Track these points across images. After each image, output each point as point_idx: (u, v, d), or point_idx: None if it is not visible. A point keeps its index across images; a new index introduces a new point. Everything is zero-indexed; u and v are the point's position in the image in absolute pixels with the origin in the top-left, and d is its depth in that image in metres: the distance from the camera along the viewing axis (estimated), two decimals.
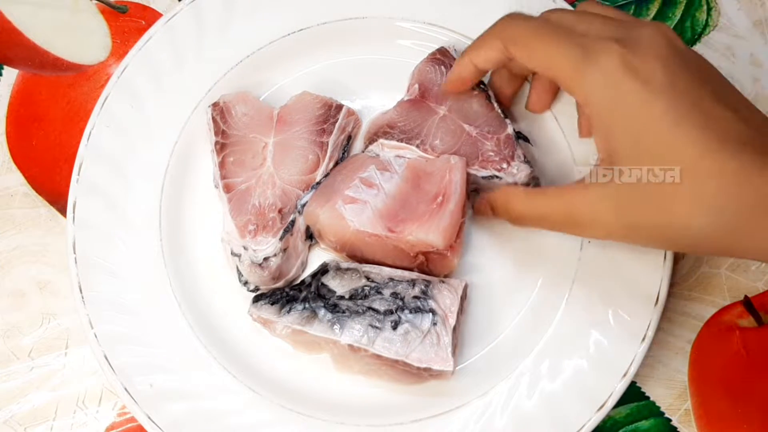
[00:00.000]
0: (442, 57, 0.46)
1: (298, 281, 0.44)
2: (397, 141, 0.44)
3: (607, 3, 0.49)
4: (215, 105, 0.46)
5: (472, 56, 0.41)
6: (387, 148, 0.44)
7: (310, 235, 0.45)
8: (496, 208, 0.41)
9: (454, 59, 0.45)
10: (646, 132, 0.32)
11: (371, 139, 0.46)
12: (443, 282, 0.42)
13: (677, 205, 0.32)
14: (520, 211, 0.39)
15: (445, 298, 0.41)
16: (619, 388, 0.40)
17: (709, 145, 0.31)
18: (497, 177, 0.42)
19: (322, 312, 0.41)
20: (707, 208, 0.31)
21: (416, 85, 0.46)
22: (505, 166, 0.42)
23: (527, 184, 0.43)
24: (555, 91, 0.45)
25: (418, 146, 0.44)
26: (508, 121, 0.44)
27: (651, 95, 0.32)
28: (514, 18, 0.38)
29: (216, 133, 0.45)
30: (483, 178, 0.43)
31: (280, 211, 0.43)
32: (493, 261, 0.45)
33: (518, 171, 0.42)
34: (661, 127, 0.32)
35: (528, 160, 0.43)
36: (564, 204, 0.36)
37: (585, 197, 0.35)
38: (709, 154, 0.31)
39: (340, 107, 0.46)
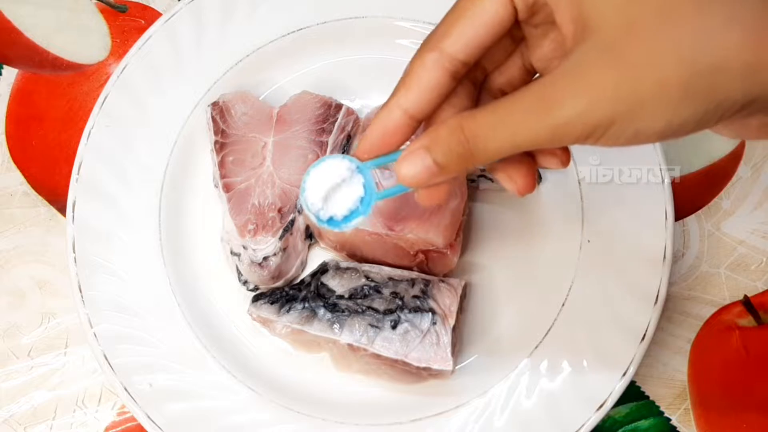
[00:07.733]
0: None
1: (298, 281, 0.44)
2: None
3: None
4: (215, 104, 0.46)
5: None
6: None
7: (309, 235, 0.45)
8: (443, 139, 0.27)
9: None
10: None
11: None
12: (443, 281, 0.42)
13: None
14: (483, 132, 0.26)
15: (445, 298, 0.41)
16: (619, 387, 0.40)
17: None
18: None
19: (321, 311, 0.41)
20: None
21: None
22: None
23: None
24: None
25: None
26: None
27: None
28: None
29: (215, 133, 0.45)
30: None
31: (279, 211, 0.43)
32: (493, 261, 0.45)
33: None
34: None
35: None
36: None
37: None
38: None
39: (339, 106, 0.46)
